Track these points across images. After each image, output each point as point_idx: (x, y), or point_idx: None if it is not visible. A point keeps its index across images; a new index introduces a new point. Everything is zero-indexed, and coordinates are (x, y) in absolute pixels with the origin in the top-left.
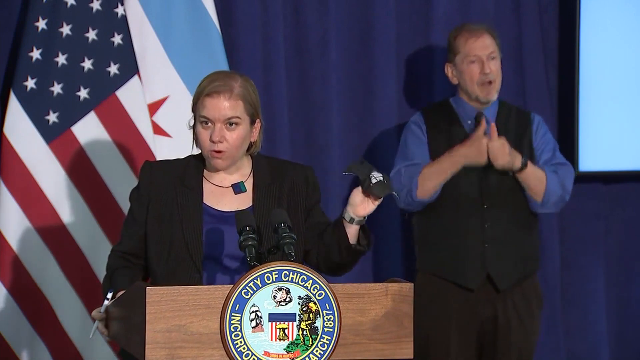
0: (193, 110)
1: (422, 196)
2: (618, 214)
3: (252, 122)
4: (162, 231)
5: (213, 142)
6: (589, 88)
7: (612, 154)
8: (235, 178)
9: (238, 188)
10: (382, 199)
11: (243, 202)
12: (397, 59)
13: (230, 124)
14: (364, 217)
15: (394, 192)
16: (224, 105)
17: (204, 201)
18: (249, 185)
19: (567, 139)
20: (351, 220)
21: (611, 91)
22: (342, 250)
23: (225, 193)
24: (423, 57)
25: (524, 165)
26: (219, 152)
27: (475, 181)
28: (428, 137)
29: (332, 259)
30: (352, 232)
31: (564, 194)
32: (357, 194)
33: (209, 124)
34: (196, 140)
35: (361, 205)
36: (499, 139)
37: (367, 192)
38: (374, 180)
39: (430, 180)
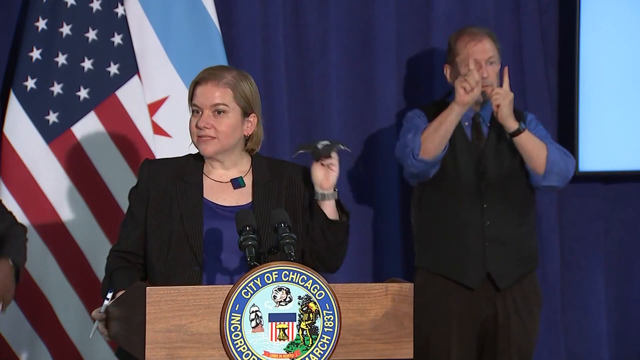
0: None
1: (424, 155)
2: (618, 213)
3: (246, 115)
4: (162, 226)
5: (199, 127)
6: (589, 88)
7: (612, 154)
8: (233, 174)
9: (237, 183)
10: (334, 158)
11: (242, 197)
12: (397, 59)
13: (219, 112)
14: (335, 189)
15: (342, 146)
16: (211, 92)
17: (204, 196)
18: (248, 181)
19: (567, 139)
20: (323, 197)
21: (611, 91)
22: (325, 231)
23: (225, 188)
24: (423, 57)
25: (521, 129)
26: (206, 137)
27: (474, 179)
28: None
29: (320, 248)
30: (329, 209)
31: (567, 166)
32: (315, 169)
33: (199, 112)
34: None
35: (324, 178)
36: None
37: (320, 159)
38: (320, 146)
39: (431, 137)
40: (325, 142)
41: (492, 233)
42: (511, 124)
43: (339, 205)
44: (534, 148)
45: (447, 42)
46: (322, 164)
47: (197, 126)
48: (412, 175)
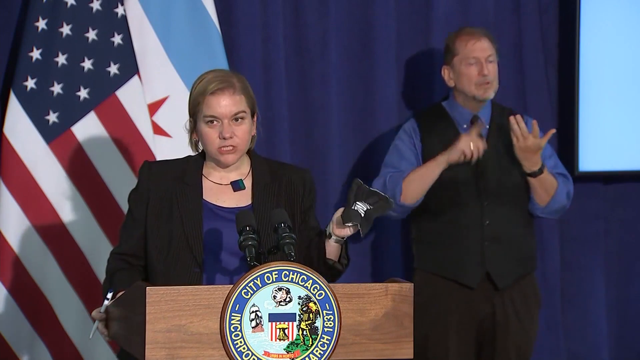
0: (193, 113)
1: (405, 200)
2: (618, 214)
3: (253, 116)
4: (162, 227)
5: (224, 138)
6: (589, 88)
7: (612, 154)
8: (234, 176)
9: (237, 185)
10: (357, 229)
11: (242, 199)
12: (397, 59)
13: (237, 119)
14: (344, 238)
15: (359, 228)
16: (229, 102)
17: (204, 197)
18: (247, 183)
19: (567, 139)
20: (329, 236)
21: (611, 91)
22: (320, 264)
23: (225, 190)
24: (423, 58)
25: (540, 171)
26: (230, 147)
27: (472, 179)
28: (423, 144)
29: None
30: (332, 248)
31: (567, 203)
32: (339, 213)
33: (215, 122)
34: (201, 141)
35: (339, 226)
36: (536, 139)
37: (346, 221)
38: (352, 207)
39: (414, 183)
40: (361, 207)
41: (492, 232)
42: (536, 167)
43: (345, 247)
44: (547, 186)
45: (445, 44)
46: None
47: (220, 137)
48: (390, 215)
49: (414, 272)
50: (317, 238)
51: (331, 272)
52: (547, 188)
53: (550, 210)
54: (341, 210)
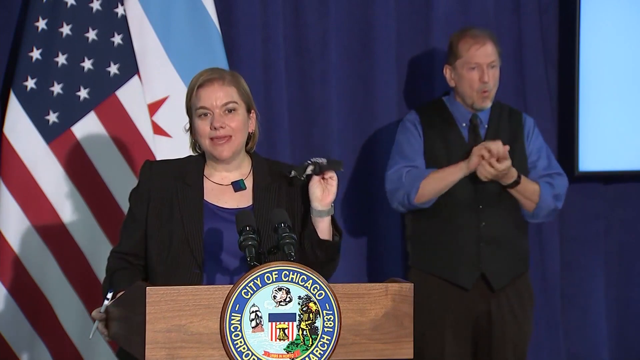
0: (188, 111)
1: (418, 200)
2: (618, 214)
3: (249, 111)
4: (162, 227)
5: (215, 128)
6: (589, 88)
7: (612, 154)
8: (235, 176)
9: (238, 185)
10: (339, 172)
11: (243, 200)
12: (397, 59)
13: (229, 110)
14: (332, 206)
15: (341, 168)
16: (218, 92)
17: (205, 198)
18: (248, 184)
19: (567, 139)
20: (320, 214)
21: (611, 91)
22: (316, 248)
23: (225, 191)
24: (423, 57)
25: (515, 183)
26: (222, 137)
27: (469, 182)
28: (424, 137)
29: (310, 261)
30: (323, 227)
31: (557, 205)
32: (315, 186)
33: (207, 114)
34: (195, 135)
35: (324, 193)
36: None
37: (326, 172)
38: (322, 161)
39: (432, 185)
40: (323, 159)
41: (488, 234)
42: (508, 180)
43: (333, 222)
44: (527, 194)
45: (449, 42)
46: (324, 178)
47: (211, 127)
48: (398, 209)
49: (409, 270)
50: (302, 230)
51: (330, 249)
52: (529, 196)
53: (540, 215)
54: (314, 184)
